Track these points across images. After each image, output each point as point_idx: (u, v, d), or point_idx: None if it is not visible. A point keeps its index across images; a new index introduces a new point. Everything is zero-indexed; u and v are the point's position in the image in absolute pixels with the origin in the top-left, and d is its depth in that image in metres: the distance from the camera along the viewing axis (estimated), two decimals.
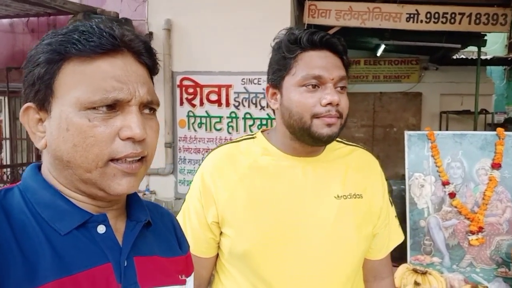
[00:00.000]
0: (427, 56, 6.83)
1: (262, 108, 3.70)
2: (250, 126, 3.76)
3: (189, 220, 0.96)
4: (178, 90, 3.92)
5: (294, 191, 0.91)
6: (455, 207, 1.74)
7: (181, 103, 3.93)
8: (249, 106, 3.75)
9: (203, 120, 3.88)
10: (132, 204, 0.67)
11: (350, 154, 1.01)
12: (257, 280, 0.89)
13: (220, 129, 3.85)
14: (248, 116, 3.76)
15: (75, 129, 0.56)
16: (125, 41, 0.59)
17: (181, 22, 3.89)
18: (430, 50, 6.19)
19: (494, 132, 1.81)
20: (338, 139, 1.01)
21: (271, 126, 3.68)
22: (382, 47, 6.05)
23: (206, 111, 3.87)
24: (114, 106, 0.57)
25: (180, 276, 0.70)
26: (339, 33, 5.17)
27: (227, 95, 3.79)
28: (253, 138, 0.99)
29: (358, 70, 7.22)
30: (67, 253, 0.55)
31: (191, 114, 3.91)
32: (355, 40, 6.18)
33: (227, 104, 3.81)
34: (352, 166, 0.99)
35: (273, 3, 3.61)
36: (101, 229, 0.60)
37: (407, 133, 1.92)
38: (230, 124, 3.81)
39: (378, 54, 6.48)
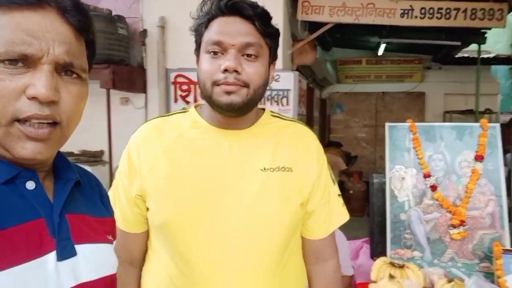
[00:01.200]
0: (430, 56, 6.76)
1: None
2: None
3: (117, 196, 0.93)
4: (172, 87, 3.91)
5: (217, 164, 0.88)
6: (437, 200, 1.69)
7: (175, 100, 3.92)
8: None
9: None
10: (60, 164, 0.65)
11: (284, 128, 0.99)
12: (177, 255, 0.87)
13: None
14: None
15: None
16: None
17: (175, 20, 3.89)
18: (433, 49, 6.12)
19: (478, 124, 1.76)
20: (274, 113, 0.98)
21: None
22: (383, 46, 6.00)
23: None
24: (24, 62, 0.53)
25: (108, 236, 0.69)
26: (334, 29, 5.13)
27: None
28: (184, 112, 0.96)
29: (360, 69, 7.17)
30: None
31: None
32: (355, 39, 6.14)
33: None
34: (284, 140, 0.96)
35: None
36: (30, 185, 0.58)
37: (387, 125, 1.87)
38: None
39: (380, 53, 6.42)
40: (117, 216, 0.84)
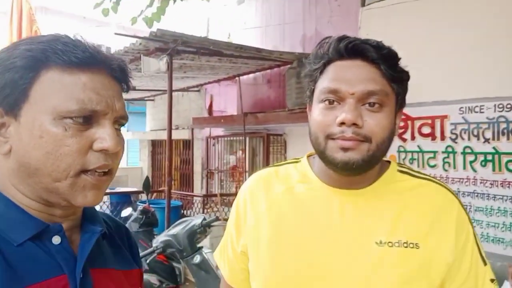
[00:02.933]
0: None
1: (487, 140, 3.06)
2: (471, 162, 3.17)
3: (225, 247, 0.91)
4: None
5: (325, 229, 0.74)
6: None
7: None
8: (469, 139, 3.18)
9: (415, 156, 3.54)
10: (88, 215, 0.66)
11: (414, 190, 0.76)
12: None
13: (434, 166, 3.40)
14: (468, 150, 3.19)
15: (49, 137, 0.56)
16: (104, 58, 0.61)
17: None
18: None
19: None
20: (404, 167, 0.78)
21: (499, 161, 3.00)
22: None
23: (418, 146, 3.51)
24: (90, 118, 0.58)
25: None
26: None
27: (442, 126, 3.35)
28: (296, 162, 0.87)
29: None
30: (20, 265, 0.55)
31: (401, 149, 3.63)
32: None
33: (442, 138, 3.35)
34: (411, 205, 0.76)
35: (504, 15, 3.01)
36: (56, 239, 0.59)
37: None
38: (446, 159, 3.32)
39: None
40: (223, 267, 0.84)
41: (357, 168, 0.74)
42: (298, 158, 0.91)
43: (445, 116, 3.30)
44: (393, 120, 0.78)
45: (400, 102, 0.80)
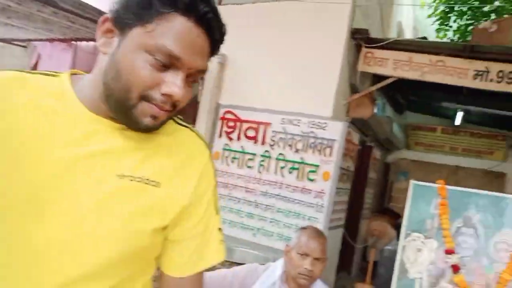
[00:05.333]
0: None
1: (297, 151, 3.46)
2: (281, 168, 3.52)
3: None
4: (219, 123, 3.87)
5: (66, 152, 0.67)
6: (457, 285, 1.31)
7: (220, 135, 3.86)
8: (284, 147, 3.54)
9: (237, 155, 3.74)
10: None
11: (171, 134, 0.78)
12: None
13: (251, 167, 3.66)
14: (281, 157, 3.53)
15: None
16: None
17: (235, 58, 3.92)
18: None
19: None
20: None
21: (302, 170, 3.41)
22: (460, 115, 5.49)
23: (242, 146, 3.73)
24: None
25: None
26: (407, 90, 4.79)
27: (264, 132, 3.64)
28: (54, 76, 0.76)
29: (433, 138, 6.61)
30: None
31: (226, 147, 3.80)
32: (430, 105, 5.70)
33: (263, 142, 3.64)
34: (164, 147, 0.76)
35: (327, 46, 3.47)
36: None
37: (412, 182, 1.56)
38: (262, 163, 3.61)
39: (457, 123, 5.88)
40: None
41: (149, 132, 0.72)
42: (57, 73, 0.77)
43: (269, 124, 3.61)
44: None
45: None
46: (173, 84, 0.66)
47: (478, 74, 3.15)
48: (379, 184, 6.39)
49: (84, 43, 5.20)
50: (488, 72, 3.12)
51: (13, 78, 0.71)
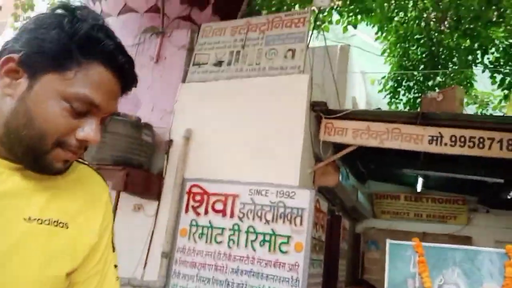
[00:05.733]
0: (475, 197, 6.25)
1: (267, 222, 3.38)
2: (252, 241, 3.40)
3: None
4: (186, 197, 3.77)
5: None
6: None
7: (186, 211, 3.73)
8: (253, 219, 3.45)
9: (205, 231, 3.60)
10: None
11: (72, 173, 0.76)
12: None
13: (220, 242, 3.51)
14: (251, 229, 3.43)
15: None
16: None
17: (200, 131, 3.96)
18: (477, 189, 5.68)
19: (503, 250, 1.37)
20: None
21: (274, 243, 3.30)
22: (421, 181, 5.69)
23: (210, 221, 3.61)
24: None
25: None
26: (366, 159, 4.96)
27: (232, 205, 3.56)
28: None
29: (397, 205, 6.73)
30: None
31: (194, 223, 3.66)
32: (390, 172, 5.90)
33: (232, 215, 3.54)
34: (67, 187, 0.74)
35: (288, 118, 3.60)
36: None
37: (388, 242, 1.53)
38: (231, 237, 3.48)
39: (418, 189, 6.06)
40: None
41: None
42: None
43: (237, 195, 3.55)
44: None
45: None
46: (90, 129, 0.68)
47: (432, 139, 3.33)
48: (351, 255, 6.28)
49: None
50: (441, 137, 3.31)
51: None
